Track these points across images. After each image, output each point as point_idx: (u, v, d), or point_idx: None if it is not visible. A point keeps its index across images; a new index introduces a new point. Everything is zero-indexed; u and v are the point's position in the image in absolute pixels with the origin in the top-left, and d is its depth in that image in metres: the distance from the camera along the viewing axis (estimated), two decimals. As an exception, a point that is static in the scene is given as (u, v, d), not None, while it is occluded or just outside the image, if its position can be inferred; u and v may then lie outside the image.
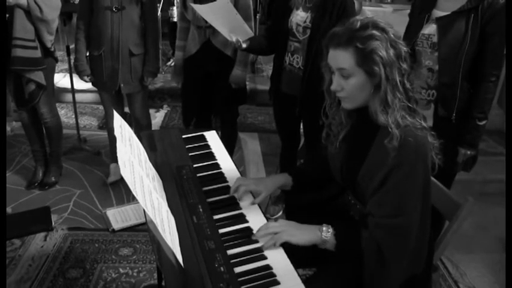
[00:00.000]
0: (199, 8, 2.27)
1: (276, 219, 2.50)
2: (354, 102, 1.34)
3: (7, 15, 2.45)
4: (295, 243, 1.31)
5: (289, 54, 2.32)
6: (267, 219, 1.42)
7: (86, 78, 2.81)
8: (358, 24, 1.26)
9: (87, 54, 2.79)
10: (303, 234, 1.32)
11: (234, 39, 2.21)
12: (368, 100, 1.32)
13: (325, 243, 1.32)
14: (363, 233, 1.31)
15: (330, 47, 1.31)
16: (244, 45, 2.23)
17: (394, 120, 1.25)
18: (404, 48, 1.27)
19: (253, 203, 1.50)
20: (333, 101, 1.43)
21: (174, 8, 4.72)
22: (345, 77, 1.29)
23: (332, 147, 1.49)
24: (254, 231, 1.35)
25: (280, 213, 2.85)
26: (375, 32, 1.24)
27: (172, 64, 4.51)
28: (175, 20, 4.70)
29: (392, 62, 1.24)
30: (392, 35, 1.26)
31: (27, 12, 2.51)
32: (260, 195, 1.53)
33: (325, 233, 1.32)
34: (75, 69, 2.83)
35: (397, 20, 1.82)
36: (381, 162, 1.28)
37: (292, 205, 1.77)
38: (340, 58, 1.28)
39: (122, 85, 2.77)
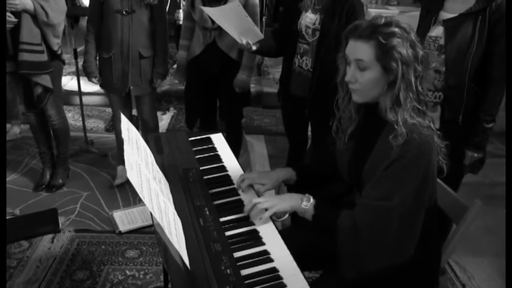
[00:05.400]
0: (210, 11, 2.26)
1: (282, 222, 2.50)
2: (365, 96, 1.34)
3: (15, 19, 2.47)
4: (281, 212, 1.40)
5: (299, 56, 2.32)
6: (273, 221, 1.42)
7: (94, 80, 2.83)
8: (383, 20, 1.28)
9: (97, 56, 2.81)
10: (285, 202, 1.40)
11: (244, 42, 2.21)
12: (379, 96, 1.33)
13: (305, 212, 1.39)
14: (342, 211, 1.34)
15: (350, 38, 1.32)
16: (254, 48, 2.23)
17: (403, 119, 1.27)
18: (421, 52, 1.29)
19: (258, 192, 1.56)
20: (345, 94, 1.44)
21: (181, 11, 4.73)
22: (361, 69, 1.30)
23: (340, 143, 1.50)
24: (261, 234, 1.36)
25: (287, 215, 2.84)
26: (397, 30, 1.26)
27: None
28: (181, 22, 4.71)
29: (410, 61, 1.26)
30: (412, 36, 1.28)
31: (34, 16, 2.53)
32: (264, 187, 1.58)
33: (306, 202, 1.39)
34: (84, 71, 2.84)
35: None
36: (384, 156, 1.29)
37: None
38: (360, 49, 1.29)
39: (131, 87, 2.78)
